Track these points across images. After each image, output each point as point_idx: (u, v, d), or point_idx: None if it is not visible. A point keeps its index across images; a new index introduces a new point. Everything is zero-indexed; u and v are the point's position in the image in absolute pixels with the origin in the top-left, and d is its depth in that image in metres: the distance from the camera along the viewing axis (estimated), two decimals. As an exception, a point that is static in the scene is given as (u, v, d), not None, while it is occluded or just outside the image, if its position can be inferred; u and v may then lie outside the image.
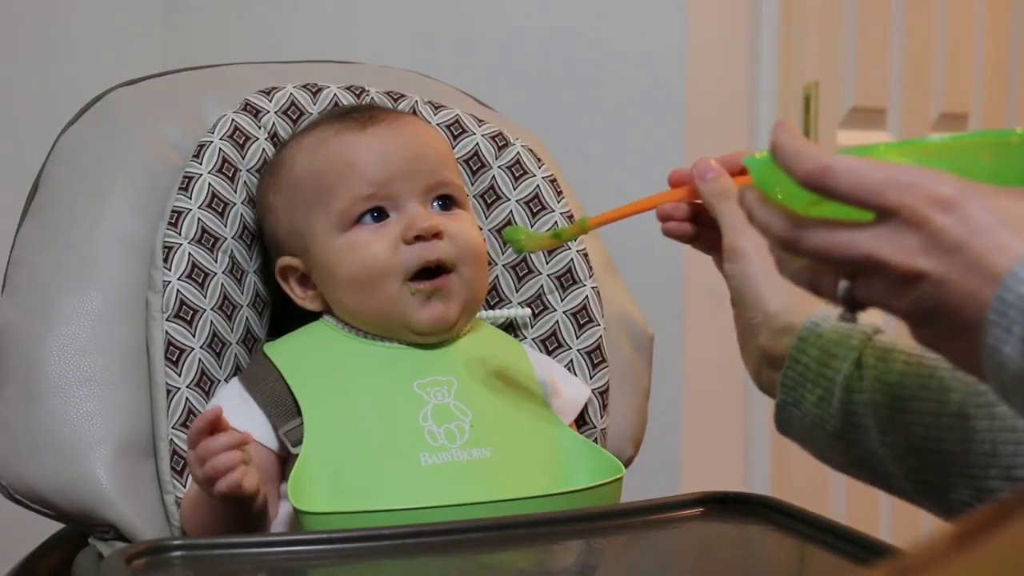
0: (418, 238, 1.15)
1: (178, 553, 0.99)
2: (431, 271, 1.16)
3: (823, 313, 0.95)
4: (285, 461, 1.14)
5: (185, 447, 1.11)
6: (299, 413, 1.12)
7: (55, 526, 1.23)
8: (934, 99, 2.51)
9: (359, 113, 1.23)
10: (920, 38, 2.44)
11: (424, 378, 1.15)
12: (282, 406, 1.13)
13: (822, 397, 0.94)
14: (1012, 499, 0.50)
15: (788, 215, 0.80)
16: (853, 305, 0.79)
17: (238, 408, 1.12)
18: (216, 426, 1.04)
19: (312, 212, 1.18)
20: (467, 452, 1.11)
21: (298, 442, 1.11)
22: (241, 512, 1.07)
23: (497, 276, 1.31)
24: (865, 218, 0.76)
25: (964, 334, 0.74)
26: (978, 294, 0.73)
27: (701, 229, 1.03)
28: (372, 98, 1.32)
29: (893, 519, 2.41)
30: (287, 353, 1.17)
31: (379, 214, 1.17)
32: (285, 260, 1.20)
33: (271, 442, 1.13)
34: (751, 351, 1.00)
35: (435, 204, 1.19)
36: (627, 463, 1.35)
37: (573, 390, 1.25)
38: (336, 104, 1.31)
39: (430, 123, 1.31)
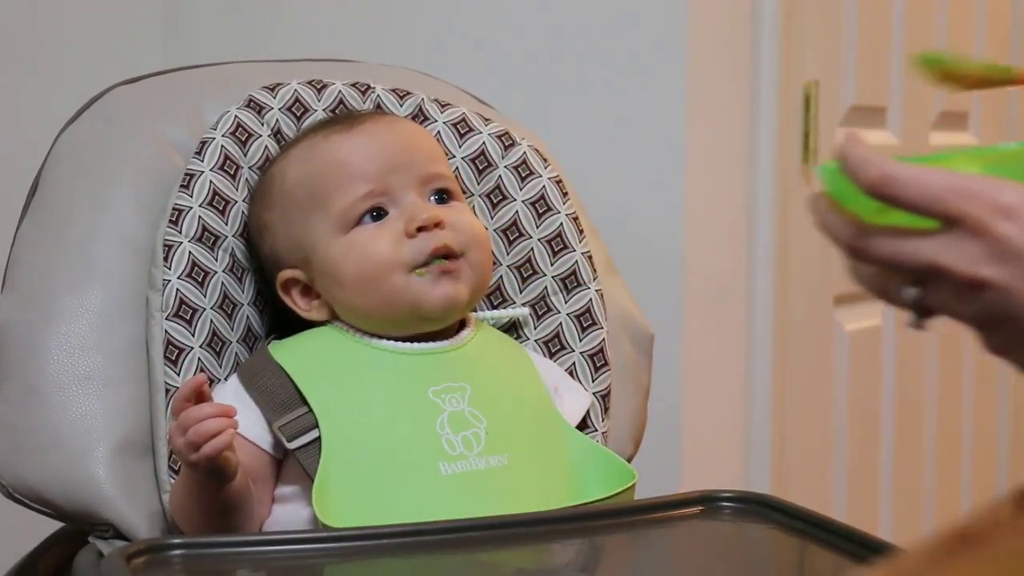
0: (420, 229, 1.15)
1: (178, 552, 0.99)
2: (440, 259, 1.15)
3: None
4: (281, 463, 1.14)
5: None
6: (296, 407, 1.11)
7: (55, 525, 1.23)
8: (935, 98, 2.51)
9: (343, 117, 1.23)
10: (920, 37, 2.44)
11: (439, 384, 1.14)
12: (277, 399, 1.12)
13: None
14: (1008, 503, 0.50)
15: (855, 223, 0.79)
16: (922, 312, 0.79)
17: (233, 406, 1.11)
18: (201, 396, 1.04)
19: (310, 218, 1.17)
20: (484, 460, 1.11)
21: (294, 436, 1.10)
22: (221, 493, 1.06)
23: (501, 277, 1.30)
24: (932, 226, 0.76)
25: None
26: None
27: None
28: (378, 95, 1.32)
29: (894, 518, 2.41)
30: (295, 355, 1.16)
31: (378, 213, 1.16)
32: (286, 273, 1.19)
33: (264, 442, 1.13)
34: None
35: (432, 199, 1.19)
36: (627, 461, 1.35)
37: (575, 397, 1.24)
38: (341, 101, 1.30)
39: (421, 124, 1.30)
